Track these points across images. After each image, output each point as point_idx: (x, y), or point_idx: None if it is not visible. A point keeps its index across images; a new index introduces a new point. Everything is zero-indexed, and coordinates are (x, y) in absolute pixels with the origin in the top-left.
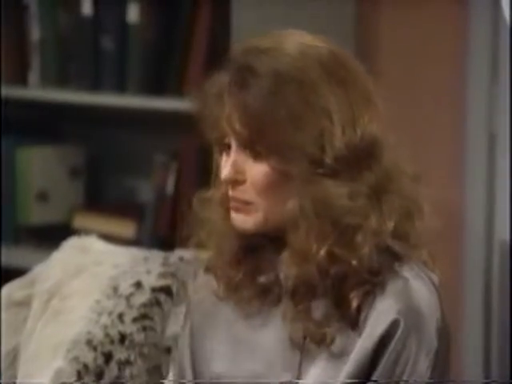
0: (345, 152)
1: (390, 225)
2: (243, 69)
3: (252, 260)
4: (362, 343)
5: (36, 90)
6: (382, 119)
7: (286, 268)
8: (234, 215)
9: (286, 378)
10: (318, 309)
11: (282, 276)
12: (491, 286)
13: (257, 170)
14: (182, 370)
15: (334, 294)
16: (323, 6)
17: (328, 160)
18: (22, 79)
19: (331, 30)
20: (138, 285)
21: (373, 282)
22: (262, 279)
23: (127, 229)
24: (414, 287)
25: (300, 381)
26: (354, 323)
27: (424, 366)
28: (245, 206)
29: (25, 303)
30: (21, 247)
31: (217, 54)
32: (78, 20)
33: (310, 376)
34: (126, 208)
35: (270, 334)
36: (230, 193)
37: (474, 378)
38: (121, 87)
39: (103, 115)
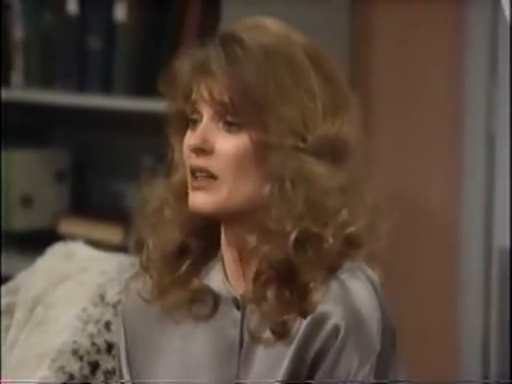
0: (324, 137)
1: (362, 220)
2: (232, 41)
3: (188, 263)
4: (300, 347)
5: (19, 92)
6: (356, 128)
7: (256, 246)
8: (193, 194)
9: None
10: (277, 296)
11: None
12: (490, 291)
13: (230, 142)
14: (121, 374)
15: (294, 281)
16: (315, 5)
17: (310, 137)
18: (4, 80)
19: (324, 30)
20: None
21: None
22: (195, 285)
23: (114, 234)
24: (352, 289)
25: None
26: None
27: (366, 370)
28: (207, 182)
29: (7, 312)
30: (4, 254)
31: None
32: (63, 19)
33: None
34: (112, 213)
35: (201, 346)
36: (194, 162)
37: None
38: (107, 88)
39: (89, 117)
